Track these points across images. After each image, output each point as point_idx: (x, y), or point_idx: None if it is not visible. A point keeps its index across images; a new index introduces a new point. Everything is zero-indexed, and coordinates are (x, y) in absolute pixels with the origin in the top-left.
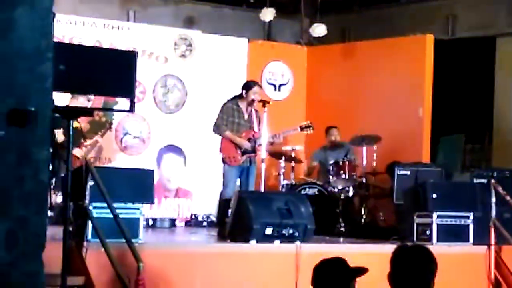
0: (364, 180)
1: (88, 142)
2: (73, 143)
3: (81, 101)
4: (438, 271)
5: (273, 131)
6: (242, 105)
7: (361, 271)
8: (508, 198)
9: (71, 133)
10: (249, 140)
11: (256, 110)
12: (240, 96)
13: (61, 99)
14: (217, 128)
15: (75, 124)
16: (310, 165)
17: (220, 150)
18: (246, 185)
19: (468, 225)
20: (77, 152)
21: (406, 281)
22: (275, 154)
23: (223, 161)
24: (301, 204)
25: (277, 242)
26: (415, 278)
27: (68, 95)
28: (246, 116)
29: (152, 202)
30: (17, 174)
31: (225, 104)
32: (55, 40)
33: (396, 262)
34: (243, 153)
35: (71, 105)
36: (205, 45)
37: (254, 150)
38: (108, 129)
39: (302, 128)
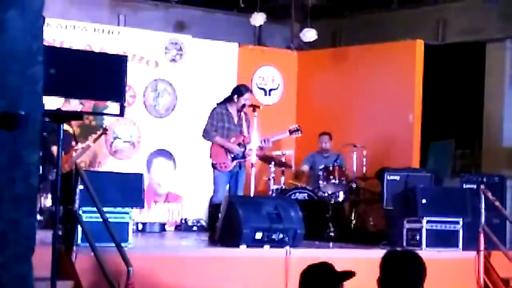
0: (354, 185)
1: (80, 146)
2: (62, 147)
3: (74, 104)
4: (427, 276)
5: (262, 135)
6: (232, 109)
7: (348, 275)
8: (497, 203)
9: (61, 137)
10: (239, 145)
11: (245, 113)
12: (229, 100)
13: (53, 102)
14: (206, 134)
15: (66, 127)
16: (299, 169)
17: (210, 156)
18: (235, 190)
19: (457, 231)
20: (64, 157)
21: (396, 286)
22: (265, 159)
23: (213, 166)
24: (291, 208)
25: (267, 246)
26: (404, 283)
27: (61, 98)
28: (236, 120)
29: (142, 207)
30: (8, 176)
31: (214, 109)
32: (45, 43)
33: (386, 267)
34: (233, 159)
35: (63, 108)
36: (196, 49)
37: (244, 156)
38: (103, 134)
39: (291, 132)
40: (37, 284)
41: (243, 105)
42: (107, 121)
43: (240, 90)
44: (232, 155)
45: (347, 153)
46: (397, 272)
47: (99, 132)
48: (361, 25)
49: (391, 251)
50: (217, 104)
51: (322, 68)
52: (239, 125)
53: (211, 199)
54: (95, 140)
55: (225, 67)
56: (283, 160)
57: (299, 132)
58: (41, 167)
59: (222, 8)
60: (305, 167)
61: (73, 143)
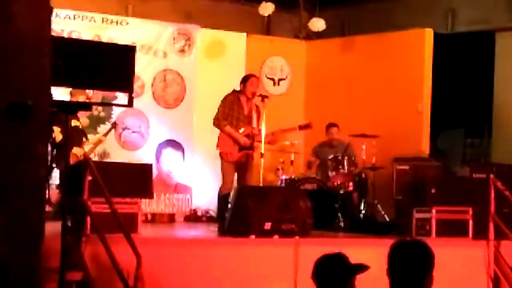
0: (363, 175)
1: (91, 141)
2: (75, 142)
3: (81, 99)
4: (437, 266)
5: (271, 127)
6: (243, 99)
7: (362, 268)
8: (507, 193)
9: (68, 127)
10: (247, 136)
11: (256, 105)
12: (240, 90)
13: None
14: (218, 122)
15: (74, 123)
16: (310, 160)
17: (217, 146)
18: (244, 180)
19: (467, 220)
20: (77, 151)
21: (403, 276)
22: (274, 149)
23: (221, 156)
24: (300, 199)
25: (276, 237)
26: (412, 272)
27: (67, 94)
28: (246, 111)
29: (151, 197)
30: (16, 168)
31: (226, 97)
32: (53, 34)
33: (393, 256)
34: (240, 149)
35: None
36: (204, 40)
37: (251, 147)
38: (113, 129)
39: (301, 128)
40: (46, 275)
41: (253, 93)
42: (115, 112)
43: (245, 77)
44: (240, 145)
45: (356, 143)
46: (404, 261)
47: (108, 127)
48: (370, 14)
49: (398, 241)
50: (228, 93)
51: (330, 58)
52: (249, 116)
53: (219, 189)
54: (105, 135)
55: (233, 57)
56: (292, 150)
57: (309, 128)
58: (49, 158)
59: None
60: (313, 159)
61: (84, 138)
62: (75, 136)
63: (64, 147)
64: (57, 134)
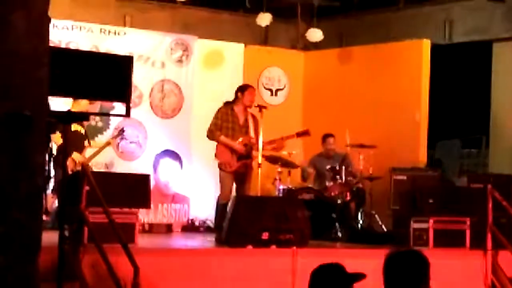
0: (360, 185)
1: (94, 146)
2: (73, 148)
3: (84, 104)
4: (434, 276)
5: (269, 137)
6: (238, 109)
7: (359, 277)
8: (504, 203)
9: (66, 137)
10: (245, 145)
11: (253, 115)
12: (235, 101)
13: (64, 103)
14: (211, 134)
15: (75, 127)
16: (305, 170)
17: (215, 156)
18: (242, 190)
19: (464, 230)
20: (77, 156)
21: (398, 285)
22: (272, 159)
23: (219, 167)
24: (297, 209)
25: (273, 247)
26: (407, 282)
27: (71, 99)
28: (241, 121)
29: (149, 207)
30: (13, 177)
31: (219, 109)
32: (51, 45)
33: (388, 266)
34: (238, 159)
35: (73, 109)
36: (202, 50)
37: (249, 156)
38: (121, 134)
39: (299, 135)
40: (43, 285)
41: (251, 103)
42: (113, 122)
43: (241, 87)
44: (238, 155)
45: (353, 153)
46: (399, 270)
47: (116, 132)
48: (368, 25)
49: (393, 251)
50: (224, 103)
51: (328, 68)
52: (245, 126)
53: (217, 199)
54: (114, 137)
55: (231, 68)
56: (290, 160)
57: (307, 134)
58: (47, 168)
59: (228, 9)
60: (310, 170)
61: (86, 143)
62: (77, 141)
63: (63, 156)
64: (58, 139)
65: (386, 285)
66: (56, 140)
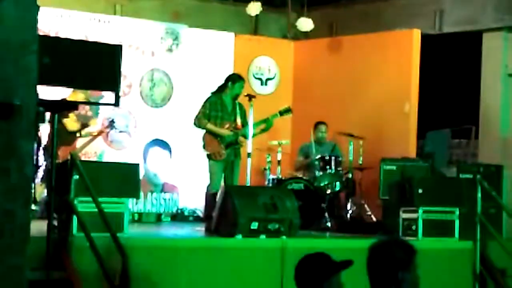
0: (350, 175)
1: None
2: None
3: (80, 97)
4: (423, 266)
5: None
6: (226, 97)
7: (346, 264)
8: (493, 193)
9: (56, 126)
10: (231, 131)
11: (240, 104)
12: (223, 89)
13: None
14: (198, 121)
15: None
16: (298, 160)
17: (204, 147)
18: (231, 180)
19: (453, 220)
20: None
21: (381, 274)
22: (261, 149)
23: (208, 157)
24: (287, 199)
25: (262, 236)
26: (387, 270)
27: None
28: (229, 109)
29: (138, 197)
30: (2, 167)
31: (208, 98)
32: (40, 33)
33: (370, 256)
34: (226, 147)
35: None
36: (192, 39)
37: (237, 142)
38: (111, 125)
39: (281, 113)
40: (32, 274)
41: (237, 94)
42: (102, 111)
43: (233, 78)
44: (225, 143)
45: (343, 143)
46: (381, 260)
47: (107, 123)
48: (358, 14)
49: (376, 241)
50: (212, 93)
51: (318, 58)
52: (233, 114)
53: (206, 189)
54: (103, 130)
55: (221, 57)
56: (280, 150)
57: (290, 112)
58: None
59: None
60: (301, 158)
61: (77, 133)
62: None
63: (51, 145)
64: (71, 124)
65: (370, 276)
66: (69, 125)
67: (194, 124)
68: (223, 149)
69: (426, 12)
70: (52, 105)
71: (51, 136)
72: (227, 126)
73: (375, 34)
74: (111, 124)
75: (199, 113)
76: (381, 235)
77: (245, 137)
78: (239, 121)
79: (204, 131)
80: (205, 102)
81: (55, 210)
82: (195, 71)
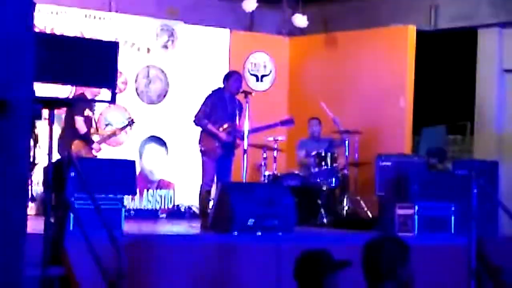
0: (346, 171)
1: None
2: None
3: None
4: (418, 262)
5: (255, 121)
6: (226, 95)
7: (344, 264)
8: (489, 189)
9: (53, 122)
10: (229, 133)
11: (239, 101)
12: (223, 87)
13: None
14: (198, 120)
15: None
16: (300, 155)
17: (199, 142)
18: (225, 176)
19: (449, 216)
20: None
21: (375, 271)
22: (257, 145)
23: (202, 153)
24: (283, 195)
25: (258, 233)
26: (381, 267)
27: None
28: (229, 108)
29: (134, 194)
30: None
31: (209, 96)
32: (36, 30)
33: (365, 253)
34: (222, 146)
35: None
36: (188, 35)
37: (233, 144)
38: (130, 125)
39: (283, 123)
40: (28, 271)
41: (236, 88)
42: (98, 108)
43: (226, 74)
44: (222, 143)
45: (338, 139)
46: (376, 257)
47: (125, 123)
48: (353, 10)
49: (370, 238)
50: (212, 91)
51: (314, 54)
52: (233, 112)
53: (200, 186)
54: (120, 129)
55: (217, 53)
56: (275, 146)
57: (292, 123)
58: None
59: None
60: (302, 153)
61: (92, 130)
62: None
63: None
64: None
65: (365, 272)
66: (79, 125)
67: (194, 122)
68: (219, 148)
69: (421, 8)
70: (48, 101)
71: (49, 133)
72: (225, 125)
73: (370, 30)
74: (131, 123)
75: (199, 111)
76: (379, 231)
77: (242, 138)
78: (237, 120)
79: None
80: (205, 100)
81: (51, 207)
82: (191, 67)
